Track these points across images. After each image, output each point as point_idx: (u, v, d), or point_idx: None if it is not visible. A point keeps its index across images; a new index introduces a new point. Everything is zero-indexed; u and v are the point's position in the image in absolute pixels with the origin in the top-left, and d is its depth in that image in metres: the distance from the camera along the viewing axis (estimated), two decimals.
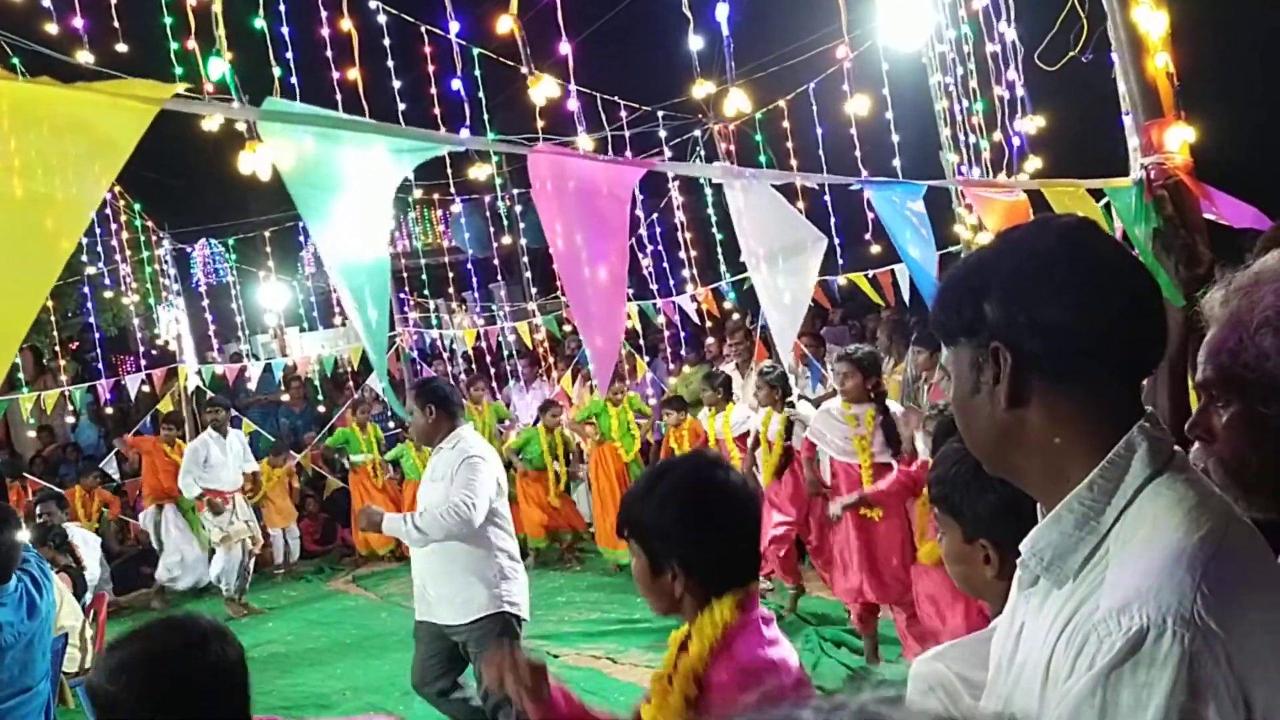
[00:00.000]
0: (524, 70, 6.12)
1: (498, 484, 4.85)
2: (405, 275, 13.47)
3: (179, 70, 6.00)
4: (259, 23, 5.96)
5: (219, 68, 5.16)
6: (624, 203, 2.25)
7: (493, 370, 12.84)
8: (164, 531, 10.33)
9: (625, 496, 2.13)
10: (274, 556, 11.16)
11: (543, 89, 6.07)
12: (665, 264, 11.12)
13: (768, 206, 2.75)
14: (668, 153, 9.77)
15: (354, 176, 1.85)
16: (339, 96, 6.37)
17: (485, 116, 7.21)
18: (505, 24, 5.88)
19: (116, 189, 11.54)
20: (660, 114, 9.45)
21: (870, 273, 9.24)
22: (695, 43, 5.65)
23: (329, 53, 6.37)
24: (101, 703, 1.87)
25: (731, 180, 2.78)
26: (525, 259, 13.53)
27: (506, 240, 12.67)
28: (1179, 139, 3.45)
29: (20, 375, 12.54)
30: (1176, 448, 1.29)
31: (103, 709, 1.88)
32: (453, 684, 4.88)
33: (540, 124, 6.84)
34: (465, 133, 6.85)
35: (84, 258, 11.55)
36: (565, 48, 5.83)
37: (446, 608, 4.76)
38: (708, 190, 9.49)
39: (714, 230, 9.51)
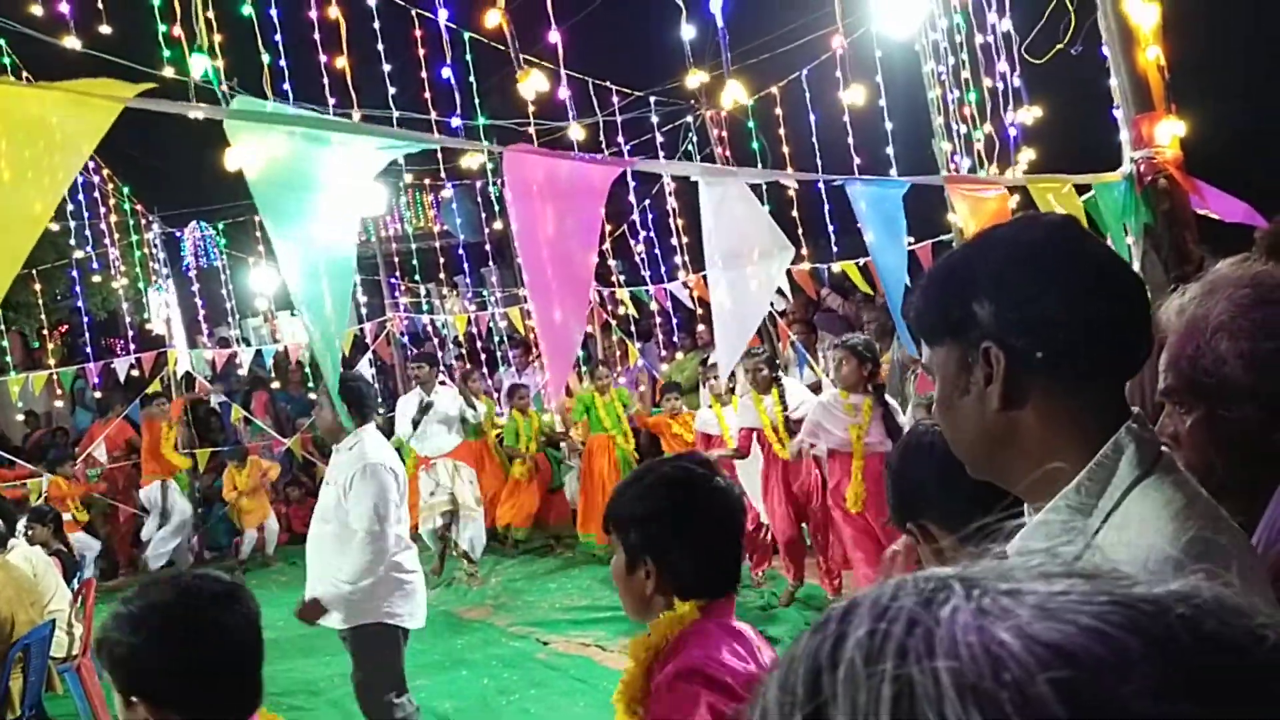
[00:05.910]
0: (515, 65, 6.08)
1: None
2: (396, 259, 13.38)
3: (166, 53, 5.95)
4: (246, 9, 5.89)
5: (201, 64, 5.12)
6: (598, 206, 2.21)
7: (483, 356, 12.80)
8: (169, 503, 10.37)
9: (614, 491, 2.06)
10: (241, 553, 10.99)
11: (532, 83, 6.03)
12: (657, 250, 11.09)
13: (741, 209, 2.70)
14: (659, 139, 9.73)
15: (323, 179, 1.79)
16: (325, 80, 6.32)
17: (475, 101, 7.17)
18: (494, 19, 5.85)
19: (105, 172, 11.46)
20: (652, 100, 9.39)
21: (861, 261, 9.21)
22: (688, 31, 5.63)
23: (317, 36, 6.32)
24: (120, 657, 1.86)
25: (710, 180, 2.74)
26: (517, 243, 13.39)
27: (498, 225, 12.61)
28: (1169, 133, 3.44)
29: (8, 359, 12.45)
30: (1164, 448, 1.28)
31: (122, 663, 1.86)
32: None
33: (531, 109, 6.81)
34: (456, 121, 6.82)
35: (72, 241, 11.46)
36: (555, 36, 5.80)
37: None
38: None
39: None
